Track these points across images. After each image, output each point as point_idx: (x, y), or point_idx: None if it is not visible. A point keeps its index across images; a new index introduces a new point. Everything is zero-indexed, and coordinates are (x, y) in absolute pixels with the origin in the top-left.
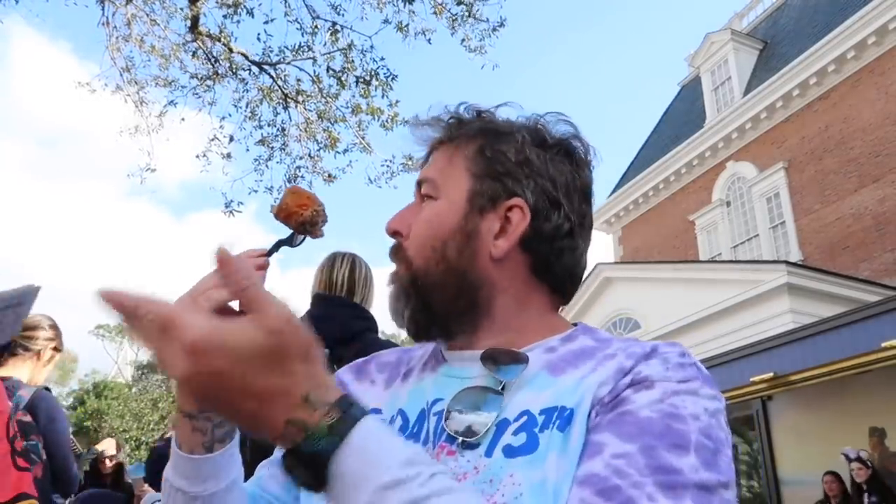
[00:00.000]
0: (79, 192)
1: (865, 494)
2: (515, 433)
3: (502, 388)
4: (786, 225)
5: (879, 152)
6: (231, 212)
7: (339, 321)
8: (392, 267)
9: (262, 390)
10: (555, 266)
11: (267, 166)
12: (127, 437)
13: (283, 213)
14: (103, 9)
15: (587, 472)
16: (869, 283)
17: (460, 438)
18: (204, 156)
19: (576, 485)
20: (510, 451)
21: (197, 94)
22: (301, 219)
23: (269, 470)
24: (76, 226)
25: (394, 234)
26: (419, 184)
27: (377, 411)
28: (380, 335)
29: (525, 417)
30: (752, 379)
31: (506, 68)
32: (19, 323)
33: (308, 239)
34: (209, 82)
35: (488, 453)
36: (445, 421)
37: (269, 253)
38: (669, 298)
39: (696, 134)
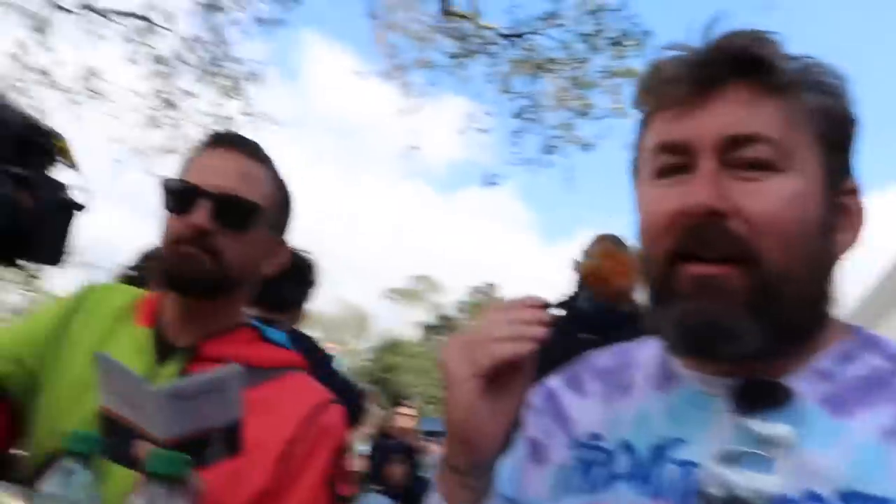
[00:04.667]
0: (362, 178)
1: None
2: None
3: (769, 444)
4: None
5: None
6: (491, 184)
7: None
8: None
9: None
10: None
11: (523, 138)
12: (416, 390)
13: (593, 278)
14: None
15: None
16: None
17: None
18: (464, 133)
19: None
20: None
21: (452, 72)
22: (617, 289)
23: None
24: (362, 206)
25: (711, 213)
26: (738, 139)
27: (596, 436)
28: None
29: None
30: None
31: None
32: (234, 407)
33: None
34: (463, 60)
35: None
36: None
37: (551, 306)
38: None
39: None
